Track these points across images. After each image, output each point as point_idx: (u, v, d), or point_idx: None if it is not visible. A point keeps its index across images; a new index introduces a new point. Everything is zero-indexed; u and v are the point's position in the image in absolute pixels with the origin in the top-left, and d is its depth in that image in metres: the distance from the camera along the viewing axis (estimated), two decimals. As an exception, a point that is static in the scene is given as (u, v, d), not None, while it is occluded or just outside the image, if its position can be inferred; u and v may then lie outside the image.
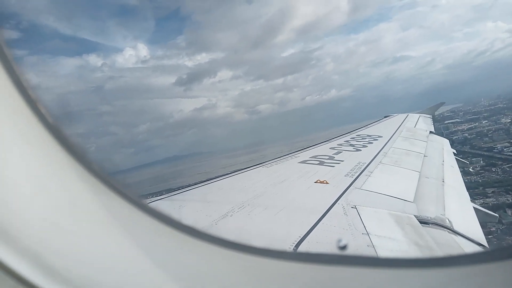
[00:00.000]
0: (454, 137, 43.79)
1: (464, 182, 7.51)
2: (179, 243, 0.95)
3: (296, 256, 1.11)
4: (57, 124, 0.83)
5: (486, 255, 1.06)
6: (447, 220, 4.70)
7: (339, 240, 1.09)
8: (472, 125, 49.89)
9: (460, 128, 50.03)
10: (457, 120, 54.94)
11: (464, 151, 39.05)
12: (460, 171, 8.64)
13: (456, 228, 4.54)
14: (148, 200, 4.59)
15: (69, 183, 0.84)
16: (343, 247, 1.10)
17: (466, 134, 45.90)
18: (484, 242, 4.43)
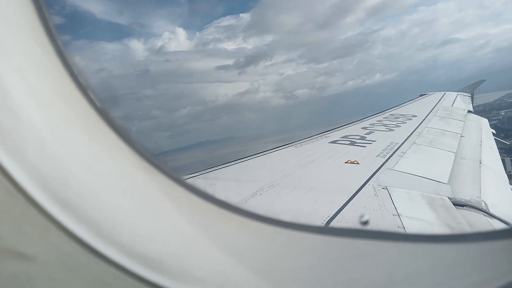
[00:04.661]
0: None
1: None
2: (214, 216, 1.04)
3: (321, 229, 1.17)
4: (105, 107, 0.94)
5: (506, 232, 1.07)
6: (482, 203, 4.57)
7: (362, 216, 1.13)
8: None
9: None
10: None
11: None
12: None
13: (492, 211, 4.41)
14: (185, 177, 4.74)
15: (116, 160, 0.96)
16: (365, 222, 1.15)
17: None
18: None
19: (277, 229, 1.04)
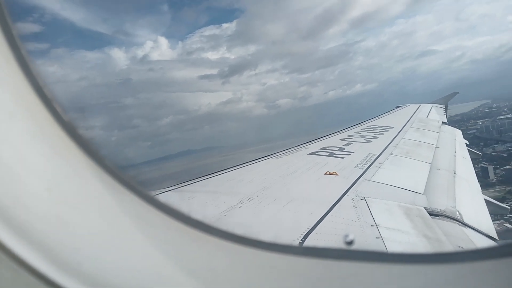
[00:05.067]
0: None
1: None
2: (188, 238, 0.98)
3: (302, 250, 1.13)
4: (71, 121, 0.87)
5: (494, 251, 1.06)
6: (457, 212, 4.67)
7: (346, 235, 1.11)
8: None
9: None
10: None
11: None
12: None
13: (466, 220, 4.51)
14: (158, 192, 4.64)
15: (81, 179, 0.88)
16: (350, 242, 1.12)
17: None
18: (494, 235, 4.40)
19: (256, 251, 1.00)
